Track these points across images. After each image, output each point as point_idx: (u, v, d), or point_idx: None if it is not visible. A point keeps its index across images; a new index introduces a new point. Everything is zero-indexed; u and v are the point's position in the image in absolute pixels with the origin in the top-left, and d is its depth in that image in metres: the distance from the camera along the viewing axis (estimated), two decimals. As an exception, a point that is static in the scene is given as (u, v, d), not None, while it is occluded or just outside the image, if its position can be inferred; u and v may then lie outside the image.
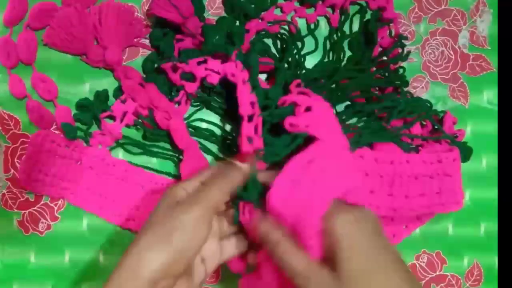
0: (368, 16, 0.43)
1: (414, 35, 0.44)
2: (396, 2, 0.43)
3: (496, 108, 0.44)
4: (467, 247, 0.44)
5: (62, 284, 0.43)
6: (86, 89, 0.43)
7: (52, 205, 0.43)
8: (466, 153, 0.41)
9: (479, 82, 0.44)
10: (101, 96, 0.42)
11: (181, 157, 0.42)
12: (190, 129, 0.43)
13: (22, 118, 0.42)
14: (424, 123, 0.42)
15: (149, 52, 0.43)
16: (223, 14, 0.43)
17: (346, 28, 0.44)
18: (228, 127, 0.44)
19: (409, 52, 0.43)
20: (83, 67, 0.43)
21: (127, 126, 0.42)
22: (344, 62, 0.44)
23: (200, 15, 0.41)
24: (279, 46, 0.44)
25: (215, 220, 0.35)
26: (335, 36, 0.44)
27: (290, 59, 0.42)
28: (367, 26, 0.43)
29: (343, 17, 0.44)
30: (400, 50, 0.42)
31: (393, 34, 0.43)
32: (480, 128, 0.44)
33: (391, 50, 0.42)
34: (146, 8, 0.43)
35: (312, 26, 0.44)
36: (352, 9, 0.44)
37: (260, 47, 0.42)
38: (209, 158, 0.43)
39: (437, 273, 0.44)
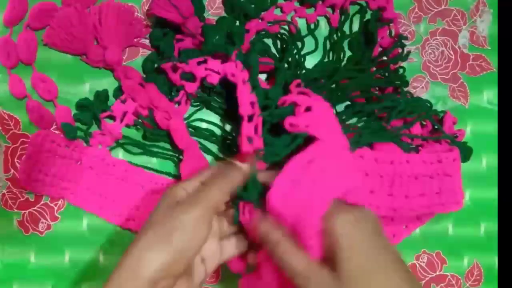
0: (368, 16, 0.43)
1: (414, 35, 0.44)
2: (396, 2, 0.43)
3: (496, 108, 0.44)
4: (467, 247, 0.44)
5: (62, 284, 0.43)
6: (86, 89, 0.43)
7: (52, 205, 0.43)
8: (466, 153, 0.41)
9: (479, 82, 0.44)
10: (101, 96, 0.42)
11: (181, 157, 0.42)
12: (190, 129, 0.43)
13: (22, 118, 0.42)
14: (424, 123, 0.42)
15: (149, 52, 0.43)
16: (223, 14, 0.43)
17: (346, 28, 0.44)
18: (228, 127, 0.44)
19: (409, 52, 0.43)
20: (83, 67, 0.43)
21: (127, 126, 0.42)
22: (344, 62, 0.44)
23: (200, 15, 0.41)
24: (279, 46, 0.44)
25: (215, 220, 0.35)
26: (335, 36, 0.44)
27: (290, 59, 0.42)
28: (367, 26, 0.43)
29: (343, 17, 0.44)
30: (400, 50, 0.42)
31: (393, 34, 0.43)
32: (480, 128, 0.44)
33: (391, 50, 0.42)
34: (146, 8, 0.43)
35: (312, 26, 0.44)
36: (352, 9, 0.44)
37: (260, 47, 0.41)
38: (209, 158, 0.43)
39: (437, 273, 0.44)
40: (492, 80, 0.44)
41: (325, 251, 0.30)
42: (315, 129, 0.33)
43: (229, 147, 0.43)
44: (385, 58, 0.43)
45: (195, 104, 0.43)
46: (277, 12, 0.44)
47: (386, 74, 0.43)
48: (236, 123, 0.38)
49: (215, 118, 0.44)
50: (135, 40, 0.43)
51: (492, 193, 0.44)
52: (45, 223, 0.43)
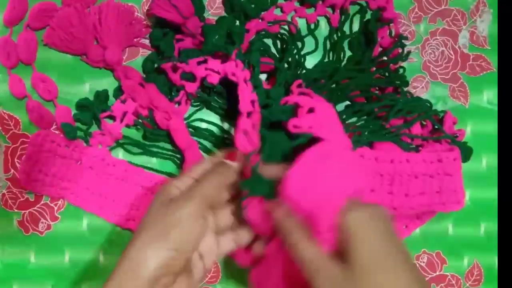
0: (368, 16, 0.43)
1: (414, 35, 0.44)
2: (396, 2, 0.43)
3: (496, 108, 0.44)
4: (467, 247, 0.44)
5: (62, 284, 0.43)
6: (86, 89, 0.43)
7: (52, 205, 0.43)
8: (466, 153, 0.41)
9: (479, 82, 0.44)
10: (101, 96, 0.42)
11: (181, 157, 0.42)
12: (190, 129, 0.43)
13: (22, 118, 0.42)
14: (424, 123, 0.42)
15: (149, 52, 0.43)
16: (223, 14, 0.43)
17: (346, 28, 0.44)
18: (228, 127, 0.44)
19: (409, 52, 0.43)
20: (83, 67, 0.43)
21: (127, 126, 0.42)
22: (344, 62, 0.44)
23: (200, 15, 0.41)
24: (279, 46, 0.44)
25: (211, 215, 0.35)
26: (335, 36, 0.44)
27: (290, 59, 0.42)
28: (367, 26, 0.43)
29: (343, 17, 0.44)
30: (400, 50, 0.42)
31: (393, 34, 0.43)
32: (480, 128, 0.44)
33: (391, 50, 0.42)
34: (146, 8, 0.43)
35: (312, 26, 0.44)
36: (352, 9, 0.44)
37: (259, 46, 0.41)
38: (209, 158, 0.43)
39: (437, 273, 0.44)
40: (492, 80, 0.44)
41: (337, 246, 0.30)
42: (319, 130, 0.33)
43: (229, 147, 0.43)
44: (385, 58, 0.43)
45: (195, 104, 0.43)
46: (277, 12, 0.44)
47: (386, 74, 0.43)
48: (236, 122, 0.38)
49: (215, 118, 0.44)
50: (135, 40, 0.43)
51: (492, 193, 0.44)
52: (45, 223, 0.43)
